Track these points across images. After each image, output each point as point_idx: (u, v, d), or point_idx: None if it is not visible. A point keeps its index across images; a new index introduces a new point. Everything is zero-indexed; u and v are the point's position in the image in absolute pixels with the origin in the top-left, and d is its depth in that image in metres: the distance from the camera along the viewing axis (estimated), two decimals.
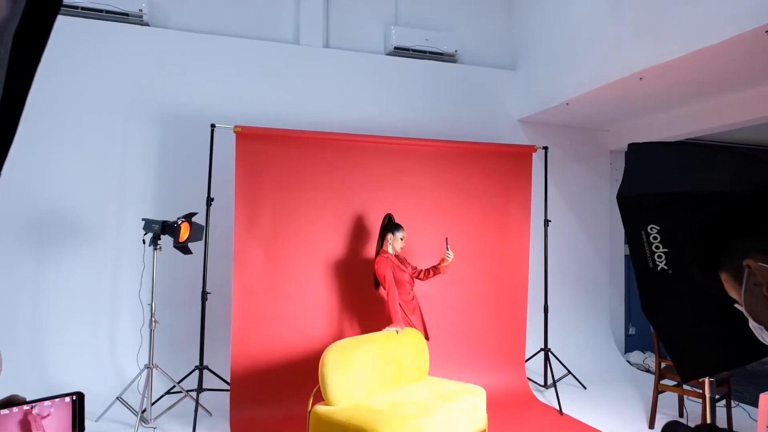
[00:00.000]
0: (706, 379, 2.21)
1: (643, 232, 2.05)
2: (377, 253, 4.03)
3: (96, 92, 4.49)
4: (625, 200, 2.12)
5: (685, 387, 3.88)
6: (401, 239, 4.04)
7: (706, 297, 1.98)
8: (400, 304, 3.84)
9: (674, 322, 1.99)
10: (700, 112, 4.90)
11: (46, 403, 0.96)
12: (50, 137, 4.37)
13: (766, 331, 0.92)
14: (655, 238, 2.03)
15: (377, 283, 4.01)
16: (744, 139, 6.21)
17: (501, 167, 4.81)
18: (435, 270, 4.08)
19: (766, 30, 3.11)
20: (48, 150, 4.37)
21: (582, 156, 5.84)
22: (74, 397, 1.00)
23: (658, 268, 1.99)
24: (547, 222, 4.83)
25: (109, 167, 4.52)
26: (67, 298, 4.34)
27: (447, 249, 4.00)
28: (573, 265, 5.78)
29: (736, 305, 0.93)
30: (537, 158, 4.96)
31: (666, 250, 2.00)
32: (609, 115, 5.37)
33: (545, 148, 4.88)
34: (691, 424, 3.53)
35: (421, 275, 4.11)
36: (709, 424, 0.96)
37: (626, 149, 2.38)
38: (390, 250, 4.01)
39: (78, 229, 4.42)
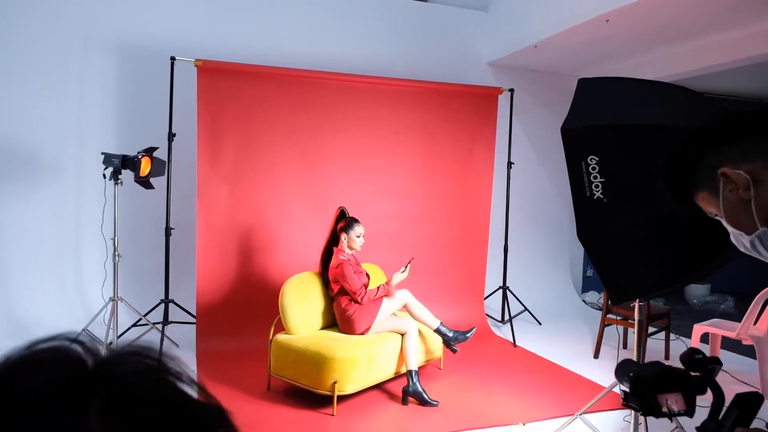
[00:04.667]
0: (636, 303, 2.37)
1: (583, 163, 2.14)
2: (324, 254, 3.52)
3: (50, 22, 4.30)
4: (569, 132, 2.21)
5: (629, 320, 4.13)
6: (359, 237, 3.46)
7: (637, 224, 2.10)
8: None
9: (606, 247, 2.12)
10: (666, 59, 4.96)
11: None
12: (4, 70, 4.21)
13: (745, 236, 0.93)
14: (593, 168, 2.12)
15: (327, 283, 3.49)
16: (708, 87, 6.32)
17: (467, 108, 4.83)
18: (384, 290, 3.43)
19: None
20: (1, 83, 4.21)
21: (549, 101, 5.87)
22: None
23: (595, 197, 2.10)
24: (510, 164, 4.92)
25: (66, 100, 4.39)
26: (30, 233, 4.31)
27: (405, 268, 3.45)
28: (536, 207, 5.93)
29: (715, 217, 0.97)
30: (504, 101, 4.99)
31: (603, 180, 2.11)
32: (577, 59, 5.37)
33: (511, 91, 4.90)
34: (632, 355, 3.74)
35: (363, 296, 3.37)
36: (657, 361, 0.98)
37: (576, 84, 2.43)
38: (349, 252, 3.49)
39: (37, 164, 4.34)
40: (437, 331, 3.52)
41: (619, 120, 2.11)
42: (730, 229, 0.97)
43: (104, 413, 0.31)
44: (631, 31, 4.38)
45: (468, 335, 3.55)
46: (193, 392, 0.36)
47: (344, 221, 3.53)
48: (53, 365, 0.34)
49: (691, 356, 1.07)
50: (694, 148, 0.98)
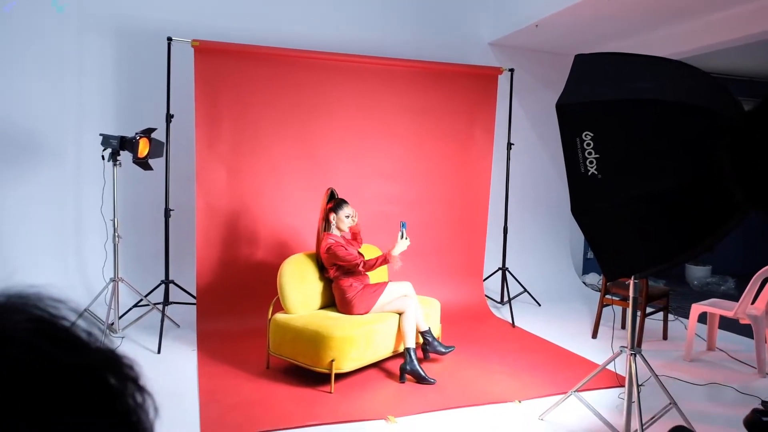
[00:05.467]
0: (631, 280, 2.38)
1: (578, 139, 2.13)
2: (319, 236, 3.50)
3: (46, 4, 4.27)
4: (564, 107, 2.19)
5: (627, 300, 4.13)
6: (347, 217, 3.47)
7: (631, 200, 2.09)
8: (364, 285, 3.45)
9: (600, 224, 2.12)
10: (669, 37, 4.89)
11: None
12: (0, 54, 4.20)
13: None
14: (588, 144, 2.11)
15: (322, 266, 3.50)
16: (712, 66, 6.24)
17: (466, 89, 4.80)
18: (384, 259, 3.38)
19: None
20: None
21: (550, 81, 5.81)
22: None
23: (589, 173, 2.09)
24: (509, 145, 4.90)
25: (64, 82, 4.38)
26: (31, 215, 4.33)
27: (401, 233, 3.38)
28: (536, 188, 5.91)
29: None
30: (504, 81, 4.95)
31: (597, 155, 2.09)
32: (578, 39, 5.31)
33: (511, 71, 4.85)
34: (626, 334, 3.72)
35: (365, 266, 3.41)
36: None
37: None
38: (335, 231, 3.49)
39: (36, 147, 4.34)
40: (423, 334, 3.51)
41: (615, 95, 2.09)
42: None
43: None
44: (633, 9, 4.32)
45: (446, 350, 3.57)
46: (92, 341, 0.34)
47: (333, 202, 3.52)
48: None
49: (758, 420, 0.89)
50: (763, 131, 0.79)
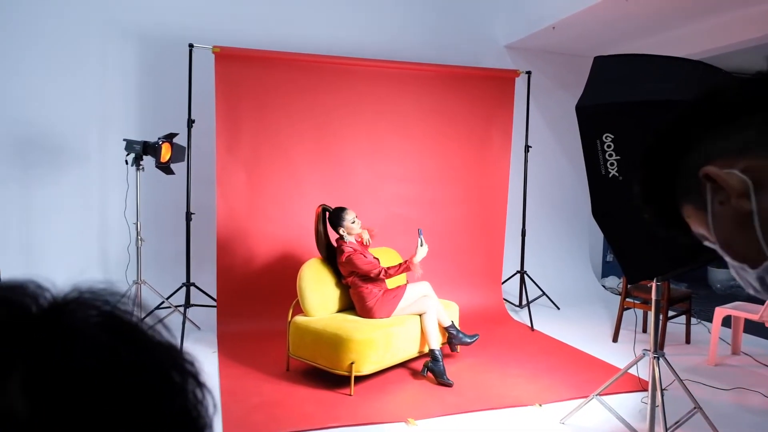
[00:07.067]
0: (654, 283, 2.35)
1: (598, 141, 2.12)
2: (326, 248, 3.58)
3: (70, 10, 4.38)
4: (584, 110, 2.19)
5: (648, 303, 4.08)
6: (353, 222, 3.50)
7: None
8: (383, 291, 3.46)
9: (622, 226, 2.11)
10: (687, 36, 4.83)
11: None
12: (25, 60, 4.32)
13: (748, 269, 0.59)
14: (608, 146, 2.10)
15: (338, 272, 3.53)
16: (737, 65, 6.14)
17: (483, 92, 4.79)
18: (405, 267, 3.40)
19: None
20: (25, 72, 4.32)
21: (567, 83, 5.79)
22: None
23: (610, 175, 2.09)
24: (527, 148, 4.88)
25: (88, 88, 4.48)
26: (56, 218, 4.44)
27: (420, 241, 3.41)
28: (554, 191, 5.88)
29: (707, 243, 0.64)
30: (521, 84, 4.94)
31: (618, 157, 2.09)
32: (596, 40, 5.27)
33: (528, 73, 4.84)
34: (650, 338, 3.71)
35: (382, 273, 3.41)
36: None
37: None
38: (351, 239, 3.53)
39: (61, 151, 4.45)
40: (447, 329, 3.54)
41: (635, 97, 2.09)
42: (727, 259, 0.63)
43: (30, 381, 0.27)
44: (651, 9, 4.29)
45: (471, 340, 3.59)
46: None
47: (331, 216, 3.53)
48: None
49: None
50: (674, 138, 0.64)
